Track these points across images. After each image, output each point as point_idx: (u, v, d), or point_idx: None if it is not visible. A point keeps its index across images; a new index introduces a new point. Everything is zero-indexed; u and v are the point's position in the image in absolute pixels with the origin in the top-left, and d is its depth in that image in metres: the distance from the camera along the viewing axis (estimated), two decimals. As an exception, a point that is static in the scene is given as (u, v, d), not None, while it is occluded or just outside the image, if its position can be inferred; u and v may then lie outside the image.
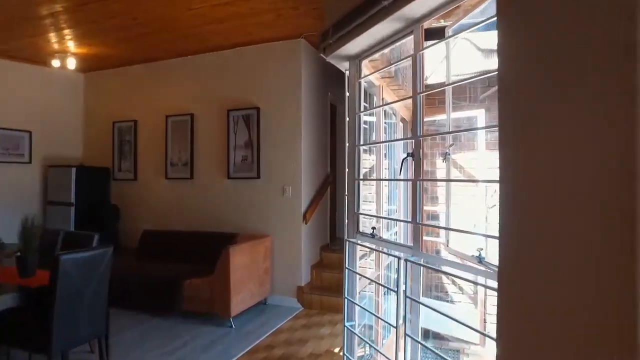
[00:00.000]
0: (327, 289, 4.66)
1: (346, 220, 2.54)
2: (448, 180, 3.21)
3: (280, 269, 4.64)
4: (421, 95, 1.92)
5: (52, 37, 4.34)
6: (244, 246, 4.18)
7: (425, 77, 2.00)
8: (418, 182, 1.95)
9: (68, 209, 5.01)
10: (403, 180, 3.24)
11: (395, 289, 2.13)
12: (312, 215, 4.76)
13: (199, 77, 5.08)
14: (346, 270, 2.56)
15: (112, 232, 5.38)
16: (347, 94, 2.62)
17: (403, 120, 3.92)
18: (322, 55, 2.61)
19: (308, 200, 4.73)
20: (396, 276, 2.17)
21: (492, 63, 3.20)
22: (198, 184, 5.07)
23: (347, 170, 2.58)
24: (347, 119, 2.60)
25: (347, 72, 2.65)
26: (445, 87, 2.55)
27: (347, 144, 2.63)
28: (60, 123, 5.59)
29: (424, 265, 1.98)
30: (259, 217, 4.73)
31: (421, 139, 1.95)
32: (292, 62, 4.60)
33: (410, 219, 2.05)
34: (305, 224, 4.60)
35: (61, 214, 5.02)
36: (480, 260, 1.70)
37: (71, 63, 4.64)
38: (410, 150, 1.98)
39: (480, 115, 3.52)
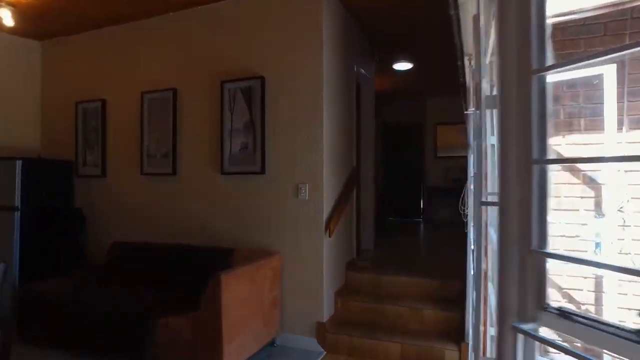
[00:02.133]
0: (357, 324, 3.40)
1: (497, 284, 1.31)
2: None
3: (293, 298, 3.38)
4: None
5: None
6: (242, 271, 2.92)
7: None
8: None
9: (10, 214, 3.76)
10: None
11: None
12: (337, 225, 3.50)
13: (184, 39, 3.83)
14: None
15: (75, 245, 4.14)
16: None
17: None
18: None
19: (331, 204, 3.47)
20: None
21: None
22: (183, 181, 3.82)
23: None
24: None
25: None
26: None
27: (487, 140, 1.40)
28: (10, 104, 4.34)
29: None
30: (264, 227, 3.48)
31: None
32: (309, 14, 3.33)
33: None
34: (329, 237, 3.34)
35: (1, 220, 3.79)
36: None
37: (6, 16, 3.38)
38: None
39: (609, 73, 2.25)
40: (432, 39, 4.77)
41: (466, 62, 2.54)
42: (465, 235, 6.27)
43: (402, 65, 5.69)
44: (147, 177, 3.96)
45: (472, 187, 2.48)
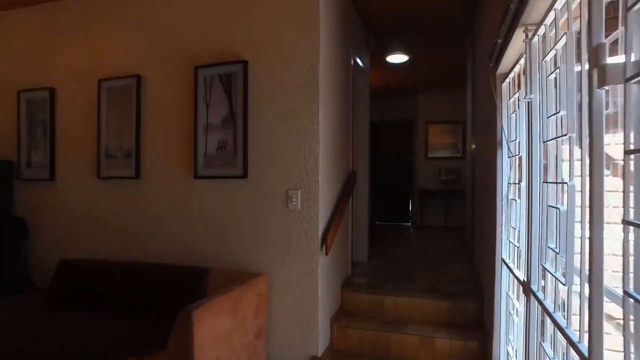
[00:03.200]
0: (357, 356, 2.87)
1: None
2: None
3: (283, 328, 2.82)
4: None
5: None
6: (220, 300, 2.33)
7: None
8: None
9: None
10: None
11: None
12: (334, 239, 2.95)
13: (150, 16, 3.20)
14: None
15: (15, 263, 3.45)
16: None
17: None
18: None
19: (328, 215, 2.92)
20: None
21: None
22: (148, 186, 3.19)
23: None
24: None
25: None
26: None
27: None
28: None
29: None
30: (248, 243, 2.90)
31: None
32: (302, -14, 2.77)
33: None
34: (326, 254, 2.79)
35: None
36: None
37: None
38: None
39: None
40: (434, 25, 4.29)
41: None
42: (464, 243, 5.86)
43: (397, 58, 5.19)
44: (106, 182, 3.31)
45: (516, 195, 1.97)
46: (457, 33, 4.53)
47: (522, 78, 1.76)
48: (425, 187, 7.52)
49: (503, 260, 2.19)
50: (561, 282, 1.13)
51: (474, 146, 4.50)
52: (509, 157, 2.05)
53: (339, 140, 3.25)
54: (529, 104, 1.60)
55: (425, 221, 7.55)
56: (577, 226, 1.17)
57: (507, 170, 2.10)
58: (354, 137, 4.40)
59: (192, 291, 2.78)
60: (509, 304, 2.14)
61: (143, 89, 3.20)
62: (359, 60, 4.11)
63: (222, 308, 2.34)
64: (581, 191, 1.11)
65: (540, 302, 1.40)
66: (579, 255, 1.12)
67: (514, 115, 1.98)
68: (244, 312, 2.54)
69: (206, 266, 2.90)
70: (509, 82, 2.15)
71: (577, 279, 1.16)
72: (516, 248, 1.89)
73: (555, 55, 1.28)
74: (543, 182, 1.40)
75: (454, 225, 7.14)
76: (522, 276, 1.73)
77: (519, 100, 1.86)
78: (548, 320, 1.45)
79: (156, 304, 2.83)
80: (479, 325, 2.99)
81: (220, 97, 2.94)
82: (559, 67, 1.20)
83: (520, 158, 1.85)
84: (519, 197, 1.87)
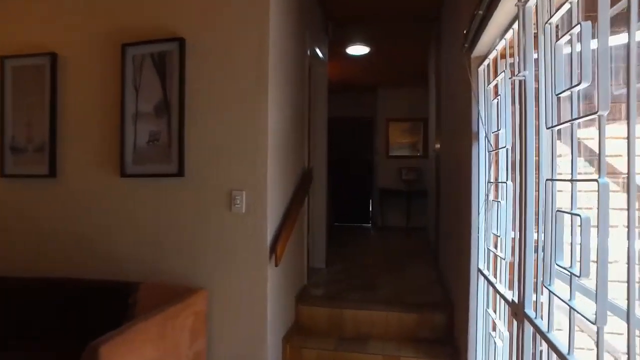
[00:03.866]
0: (314, 382, 2.51)
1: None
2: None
3: (225, 352, 2.40)
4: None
5: None
6: (144, 327, 1.89)
7: None
8: None
9: None
10: None
11: None
12: (286, 248, 2.57)
13: (68, -16, 2.69)
14: None
15: None
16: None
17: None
18: None
19: (279, 219, 2.54)
20: None
21: None
22: (66, 186, 2.67)
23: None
24: None
25: None
26: None
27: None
28: None
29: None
30: (184, 253, 2.46)
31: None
32: (249, -49, 2.37)
33: None
34: (275, 264, 2.39)
35: None
36: None
37: None
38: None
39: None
40: (397, 14, 4.01)
41: None
42: (427, 245, 5.63)
43: (358, 49, 4.88)
44: (12, 181, 2.75)
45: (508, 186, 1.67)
46: (420, 25, 4.28)
47: (510, 54, 1.45)
48: (386, 187, 7.28)
49: (480, 271, 1.90)
50: (589, 321, 0.81)
51: (438, 145, 4.26)
52: (489, 152, 1.75)
53: (292, 135, 2.87)
54: (521, 84, 1.28)
55: (386, 222, 7.31)
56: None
57: (486, 167, 1.80)
58: (311, 133, 4.04)
59: (118, 311, 2.32)
60: (488, 323, 1.84)
61: (59, 70, 2.68)
62: (317, 49, 3.76)
63: (146, 336, 1.89)
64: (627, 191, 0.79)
65: (543, 336, 1.08)
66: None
67: (495, 102, 1.68)
68: (177, 336, 2.11)
69: (135, 281, 2.44)
70: (487, 65, 1.86)
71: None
72: (500, 260, 1.58)
73: (570, 10, 0.97)
74: (547, 179, 1.08)
75: (415, 226, 6.94)
76: (510, 295, 1.42)
77: (504, 82, 1.55)
78: (545, 349, 1.14)
79: (70, 328, 2.35)
80: (448, 342, 2.70)
81: (153, 81, 2.48)
82: (579, 24, 0.88)
83: (506, 151, 1.54)
84: (503, 198, 1.56)
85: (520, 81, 1.29)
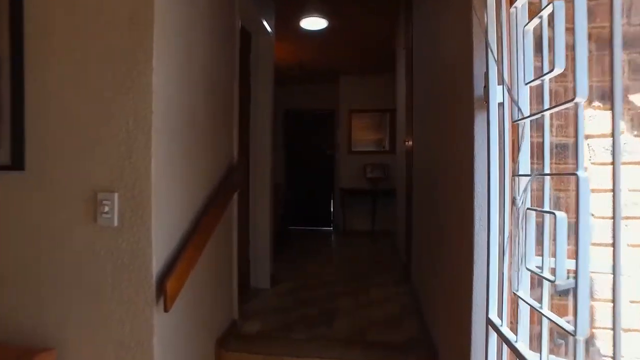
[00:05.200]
0: None
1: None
2: None
3: None
4: None
5: None
6: None
7: None
8: None
9: None
10: None
11: None
12: (196, 276, 1.73)
13: None
14: None
15: None
16: None
17: None
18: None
19: (176, 238, 1.69)
20: None
21: None
22: None
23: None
24: None
25: None
26: None
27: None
28: None
29: None
30: (24, 290, 1.58)
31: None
32: None
33: None
34: (165, 309, 1.55)
35: None
36: None
37: None
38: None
39: None
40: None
41: None
42: (395, 253, 4.91)
43: (314, 22, 4.09)
44: None
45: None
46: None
47: None
48: (349, 186, 6.53)
49: (491, 324, 1.13)
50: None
51: (410, 143, 3.53)
52: (514, 122, 0.99)
53: (209, 120, 2.04)
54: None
55: (349, 225, 6.56)
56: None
57: (505, 152, 1.05)
58: (253, 122, 3.23)
59: None
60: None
61: None
62: (259, 14, 2.94)
63: None
64: None
65: None
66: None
67: (530, 25, 0.92)
68: None
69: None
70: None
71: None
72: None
73: None
74: None
75: (382, 230, 6.23)
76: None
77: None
78: None
79: None
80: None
81: (-25, 23, 1.59)
82: None
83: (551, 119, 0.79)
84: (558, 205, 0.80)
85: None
